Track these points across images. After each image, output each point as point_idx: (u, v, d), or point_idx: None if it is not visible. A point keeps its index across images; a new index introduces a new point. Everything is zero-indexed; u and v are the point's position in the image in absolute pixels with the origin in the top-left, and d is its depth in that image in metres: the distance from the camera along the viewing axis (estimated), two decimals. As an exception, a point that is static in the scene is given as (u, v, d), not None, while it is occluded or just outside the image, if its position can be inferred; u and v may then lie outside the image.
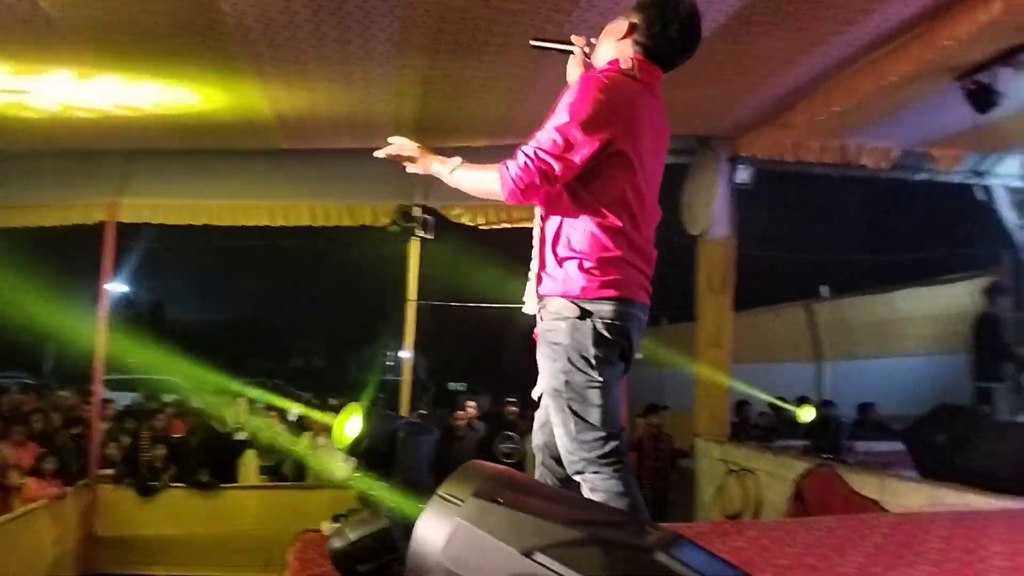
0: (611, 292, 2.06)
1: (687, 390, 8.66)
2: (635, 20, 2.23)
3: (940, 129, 7.07)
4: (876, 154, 7.56)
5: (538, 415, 2.34)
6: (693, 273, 8.27)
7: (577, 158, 2.03)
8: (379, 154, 2.32)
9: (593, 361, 2.04)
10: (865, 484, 5.74)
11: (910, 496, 5.35)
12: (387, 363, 15.46)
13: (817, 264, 10.84)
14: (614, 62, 2.22)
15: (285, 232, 8.41)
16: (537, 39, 2.49)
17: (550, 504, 1.54)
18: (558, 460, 2.19)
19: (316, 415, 8.43)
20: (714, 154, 7.73)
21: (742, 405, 9.02)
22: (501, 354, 14.35)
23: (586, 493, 2.06)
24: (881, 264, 11.07)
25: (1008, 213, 9.37)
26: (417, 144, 2.28)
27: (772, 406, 9.10)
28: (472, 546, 1.48)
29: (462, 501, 1.54)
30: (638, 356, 2.23)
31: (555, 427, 2.14)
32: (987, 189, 9.44)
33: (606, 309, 2.06)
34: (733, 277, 8.04)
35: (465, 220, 8.12)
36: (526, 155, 2.04)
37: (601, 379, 2.05)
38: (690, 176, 8.22)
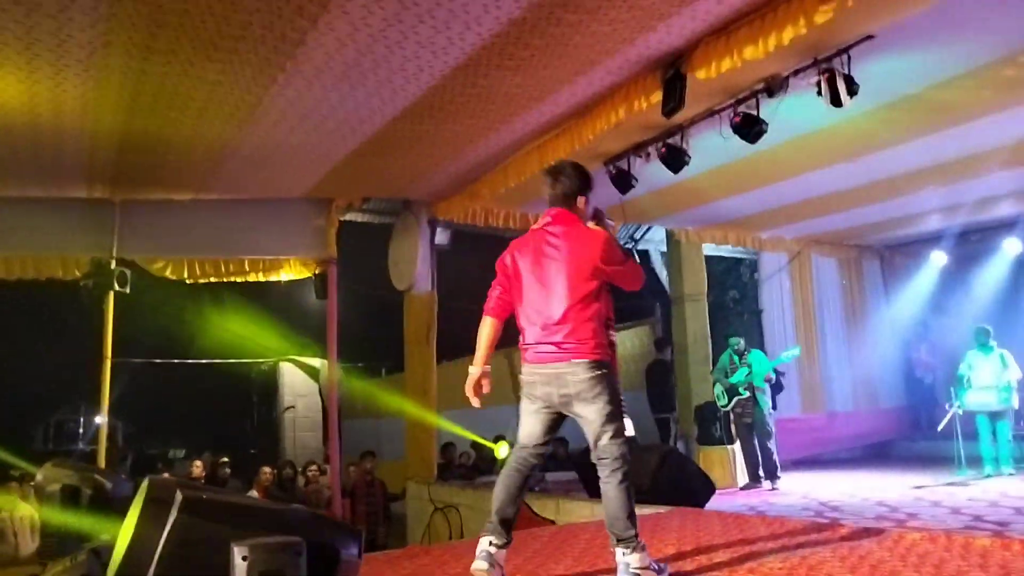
0: (523, 359, 3.41)
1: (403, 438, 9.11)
2: None
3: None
4: (552, 221, 8.70)
5: None
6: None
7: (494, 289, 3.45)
8: None
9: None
10: (544, 507, 6.60)
11: (578, 512, 6.26)
12: (78, 430, 14.01)
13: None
14: None
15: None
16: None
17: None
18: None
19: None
20: (415, 217, 8.43)
21: (448, 447, 9.69)
22: (219, 413, 13.72)
23: None
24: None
25: (661, 272, 11.32)
26: None
27: (474, 445, 9.91)
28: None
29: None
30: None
31: None
32: (645, 252, 11.36)
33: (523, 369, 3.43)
34: (435, 329, 8.74)
35: (168, 273, 7.72)
36: None
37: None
38: (395, 236, 8.85)
